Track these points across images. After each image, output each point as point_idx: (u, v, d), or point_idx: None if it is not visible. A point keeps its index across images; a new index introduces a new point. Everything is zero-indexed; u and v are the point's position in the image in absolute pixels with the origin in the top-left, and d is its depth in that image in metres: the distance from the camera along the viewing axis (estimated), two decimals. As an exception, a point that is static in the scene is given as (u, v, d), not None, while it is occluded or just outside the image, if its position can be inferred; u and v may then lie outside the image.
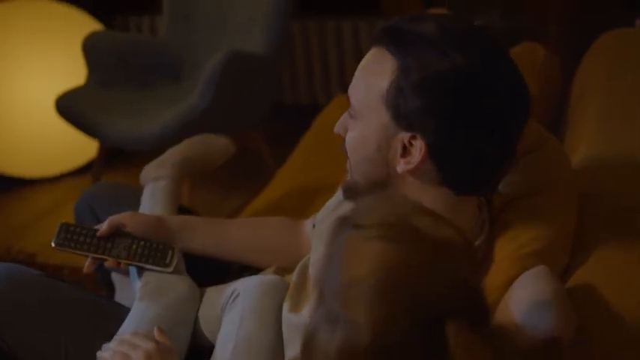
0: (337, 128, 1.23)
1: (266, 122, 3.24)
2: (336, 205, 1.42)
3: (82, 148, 3.46)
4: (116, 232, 1.49)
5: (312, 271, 1.36)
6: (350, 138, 1.20)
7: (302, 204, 1.92)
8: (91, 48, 3.24)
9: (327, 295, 0.91)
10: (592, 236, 1.21)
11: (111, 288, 1.78)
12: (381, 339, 0.87)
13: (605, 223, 1.24)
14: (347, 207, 1.32)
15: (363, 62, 1.20)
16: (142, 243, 1.47)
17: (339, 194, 1.39)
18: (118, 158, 3.43)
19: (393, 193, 1.16)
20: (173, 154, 1.80)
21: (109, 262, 1.47)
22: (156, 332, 1.30)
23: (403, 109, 1.12)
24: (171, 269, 1.46)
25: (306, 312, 1.27)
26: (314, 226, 1.50)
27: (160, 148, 1.92)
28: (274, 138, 3.33)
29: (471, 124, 1.11)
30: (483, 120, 1.12)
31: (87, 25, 3.44)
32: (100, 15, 3.57)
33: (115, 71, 3.29)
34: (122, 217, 1.50)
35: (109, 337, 1.31)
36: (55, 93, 3.19)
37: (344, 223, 0.94)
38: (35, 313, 1.43)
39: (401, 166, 1.15)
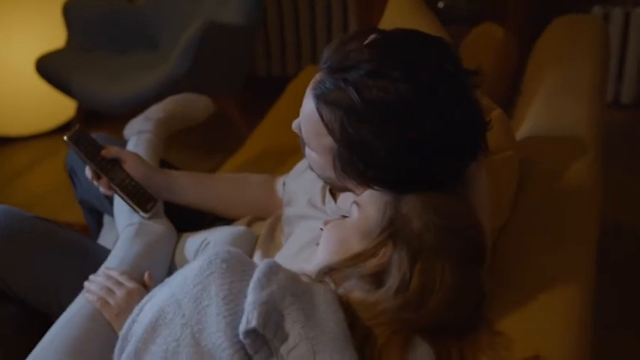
0: (294, 126, 1.30)
1: (239, 91, 3.34)
2: (304, 169, 1.55)
3: (60, 108, 3.53)
4: (116, 163, 1.59)
5: (286, 225, 1.50)
6: (308, 154, 1.28)
7: (274, 165, 2.03)
8: (70, 12, 3.33)
9: None
10: (526, 198, 1.37)
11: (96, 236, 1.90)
12: None
13: (540, 185, 1.39)
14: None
15: (304, 110, 1.22)
16: (134, 183, 1.59)
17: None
18: (95, 119, 3.51)
19: None
20: (158, 110, 1.89)
21: (102, 181, 1.58)
22: (146, 276, 1.41)
23: (348, 167, 1.19)
24: (147, 216, 1.59)
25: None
26: (284, 184, 1.63)
27: (135, 112, 1.97)
28: (246, 106, 3.43)
29: (402, 167, 1.16)
30: (413, 160, 1.15)
31: (67, -11, 3.49)
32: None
33: (93, 36, 3.38)
34: (126, 154, 1.60)
35: (94, 272, 1.43)
36: (34, 55, 3.27)
37: None
38: (29, 248, 1.54)
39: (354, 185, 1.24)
